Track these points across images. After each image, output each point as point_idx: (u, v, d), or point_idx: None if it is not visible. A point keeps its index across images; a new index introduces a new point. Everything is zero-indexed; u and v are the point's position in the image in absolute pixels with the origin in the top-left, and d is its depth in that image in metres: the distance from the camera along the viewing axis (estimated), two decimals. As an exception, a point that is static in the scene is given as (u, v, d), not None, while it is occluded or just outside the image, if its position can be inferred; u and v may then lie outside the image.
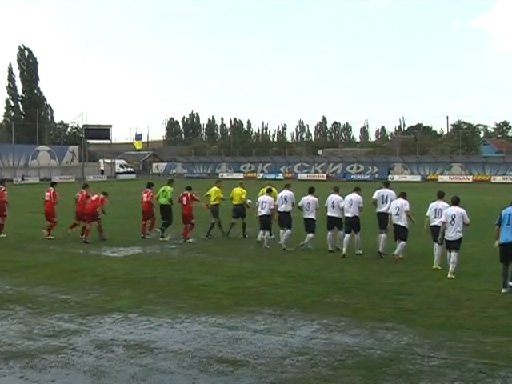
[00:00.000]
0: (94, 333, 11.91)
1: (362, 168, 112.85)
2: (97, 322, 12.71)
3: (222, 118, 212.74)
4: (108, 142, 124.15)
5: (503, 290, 15.63)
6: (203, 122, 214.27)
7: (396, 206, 20.69)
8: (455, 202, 18.48)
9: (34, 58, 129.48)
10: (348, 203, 22.07)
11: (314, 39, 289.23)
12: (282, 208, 23.68)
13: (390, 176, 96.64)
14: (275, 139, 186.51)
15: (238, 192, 27.03)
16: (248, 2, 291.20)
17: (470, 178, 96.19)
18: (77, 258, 21.04)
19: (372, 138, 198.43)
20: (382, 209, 21.78)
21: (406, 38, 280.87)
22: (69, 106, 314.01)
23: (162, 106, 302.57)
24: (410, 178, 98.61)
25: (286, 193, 24.01)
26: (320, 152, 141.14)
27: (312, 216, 22.96)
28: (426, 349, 10.78)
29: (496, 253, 16.59)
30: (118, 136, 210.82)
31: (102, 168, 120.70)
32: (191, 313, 13.37)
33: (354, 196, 22.21)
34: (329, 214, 22.63)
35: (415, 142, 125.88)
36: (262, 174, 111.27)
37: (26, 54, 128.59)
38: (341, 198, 22.53)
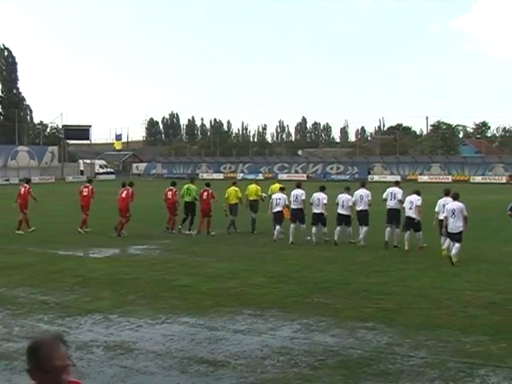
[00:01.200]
0: (74, 334, 11.85)
1: (342, 168, 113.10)
2: (77, 323, 12.65)
3: (202, 119, 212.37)
4: (88, 142, 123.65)
5: None
6: (183, 122, 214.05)
7: (410, 201, 23.00)
8: (455, 197, 20.81)
9: (13, 58, 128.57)
10: (359, 198, 24.50)
11: (292, 40, 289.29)
12: (295, 205, 25.27)
13: (369, 176, 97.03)
14: (255, 139, 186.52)
15: (254, 189, 29.46)
16: (227, 2, 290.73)
17: (450, 178, 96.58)
18: (57, 259, 20.96)
19: (352, 138, 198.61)
20: (391, 205, 23.95)
21: (385, 39, 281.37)
22: (48, 107, 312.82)
23: (141, 106, 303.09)
24: (389, 178, 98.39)
25: (298, 191, 25.45)
26: (300, 152, 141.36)
27: (321, 211, 24.75)
28: (406, 348, 10.82)
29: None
30: (98, 136, 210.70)
31: (82, 168, 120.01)
32: (171, 313, 13.35)
33: (363, 191, 24.58)
34: (339, 211, 24.66)
35: (395, 143, 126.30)
36: (242, 175, 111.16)
37: (6, 53, 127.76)
38: (350, 196, 24.75)
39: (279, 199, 26.01)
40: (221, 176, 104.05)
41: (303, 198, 25.20)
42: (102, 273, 18.30)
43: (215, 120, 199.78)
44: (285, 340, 11.41)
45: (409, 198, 23.21)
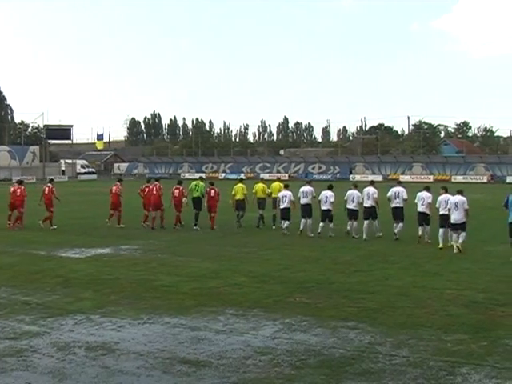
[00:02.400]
0: (56, 335, 11.80)
1: (323, 168, 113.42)
2: (58, 324, 12.60)
3: (184, 118, 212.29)
4: (69, 142, 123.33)
5: None
6: (165, 122, 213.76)
7: (421, 197, 24.85)
8: (460, 192, 23.23)
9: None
10: (366, 195, 26.57)
11: (274, 40, 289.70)
12: (304, 201, 27.44)
13: (351, 176, 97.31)
14: (237, 139, 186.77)
15: (261, 187, 31.50)
16: (209, 3, 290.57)
17: (431, 178, 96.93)
18: (38, 260, 20.85)
19: (334, 138, 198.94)
20: (395, 204, 26.02)
21: (366, 38, 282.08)
22: (29, 106, 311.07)
23: (123, 105, 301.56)
24: (371, 177, 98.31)
25: (307, 188, 27.90)
26: (282, 152, 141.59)
27: (329, 207, 26.78)
28: (388, 347, 10.85)
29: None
30: (79, 136, 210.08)
31: (63, 168, 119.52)
32: (153, 314, 13.32)
33: (370, 189, 26.74)
34: (348, 206, 26.63)
35: (376, 142, 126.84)
36: (223, 174, 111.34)
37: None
38: (359, 193, 26.79)
39: (285, 196, 27.80)
40: (203, 176, 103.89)
41: (314, 194, 27.58)
42: (83, 273, 18.22)
43: (197, 120, 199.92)
44: (267, 340, 11.41)
45: (420, 195, 24.96)
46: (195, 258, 20.96)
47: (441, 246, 22.99)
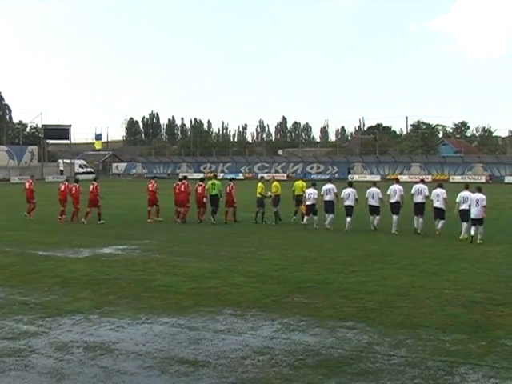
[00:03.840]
0: (54, 335, 11.79)
1: (322, 168, 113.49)
2: (56, 324, 12.59)
3: (182, 118, 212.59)
4: (67, 142, 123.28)
5: None
6: (163, 122, 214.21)
7: (436, 194, 27.23)
8: (479, 189, 25.38)
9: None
10: (393, 192, 28.51)
11: (273, 40, 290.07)
12: (327, 198, 29.78)
13: (349, 176, 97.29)
14: (235, 139, 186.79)
15: (277, 185, 33.27)
16: (206, 3, 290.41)
17: (429, 178, 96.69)
18: (36, 259, 20.82)
19: (332, 138, 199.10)
20: (418, 199, 27.90)
21: (365, 39, 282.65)
22: (28, 106, 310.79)
23: (121, 105, 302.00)
24: (369, 177, 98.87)
25: (329, 186, 30.29)
26: (280, 152, 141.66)
27: (351, 203, 29.13)
28: (386, 347, 10.85)
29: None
30: (78, 136, 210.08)
31: (62, 168, 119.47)
32: (152, 313, 13.31)
33: (397, 186, 28.62)
34: (370, 203, 28.90)
35: (375, 142, 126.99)
36: (222, 174, 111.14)
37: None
38: (379, 190, 28.81)
39: (311, 194, 30.18)
40: (201, 176, 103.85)
41: (335, 191, 29.79)
42: (81, 273, 18.20)
43: (195, 120, 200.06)
44: (265, 340, 11.40)
45: (435, 192, 27.33)
46: (193, 258, 20.94)
47: (462, 236, 25.23)
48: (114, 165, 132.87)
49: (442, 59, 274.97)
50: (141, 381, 9.33)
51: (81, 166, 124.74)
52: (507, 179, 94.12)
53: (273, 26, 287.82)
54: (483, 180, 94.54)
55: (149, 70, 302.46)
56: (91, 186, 33.75)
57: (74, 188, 34.11)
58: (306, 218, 30.12)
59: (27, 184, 36.16)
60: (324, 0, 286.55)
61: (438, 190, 27.29)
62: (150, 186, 35.21)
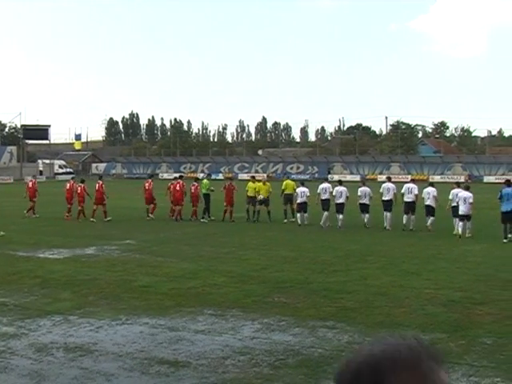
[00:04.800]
0: (34, 336, 11.75)
1: (302, 168, 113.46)
2: (36, 325, 12.54)
3: (162, 118, 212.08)
4: (47, 142, 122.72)
5: (504, 240, 24.77)
6: (143, 122, 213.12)
7: (427, 192, 29.13)
8: (467, 188, 27.83)
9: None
10: (386, 190, 30.25)
11: (252, 39, 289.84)
12: (324, 196, 31.05)
13: (329, 176, 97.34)
14: (215, 139, 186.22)
15: (265, 187, 33.95)
16: (184, 1, 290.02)
17: (409, 178, 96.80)
18: (16, 260, 20.71)
19: (312, 138, 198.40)
20: (409, 198, 29.48)
21: (344, 39, 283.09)
22: (6, 106, 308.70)
23: (101, 105, 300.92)
24: (349, 177, 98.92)
25: (326, 185, 32.19)
26: (260, 152, 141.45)
27: (343, 201, 30.31)
28: (366, 347, 10.87)
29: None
30: (57, 136, 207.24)
31: (41, 169, 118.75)
32: (132, 314, 13.29)
33: (390, 185, 30.56)
34: (361, 201, 30.46)
35: (354, 142, 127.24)
36: (202, 174, 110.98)
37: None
38: (369, 189, 30.67)
39: (303, 192, 31.39)
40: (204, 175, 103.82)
41: (331, 190, 31.09)
42: (61, 274, 18.13)
43: (175, 120, 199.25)
44: (245, 340, 11.42)
45: (426, 190, 29.23)
46: (174, 259, 20.91)
47: (456, 232, 26.95)
48: (94, 165, 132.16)
49: (421, 59, 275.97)
50: (121, 381, 9.32)
51: (60, 167, 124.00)
52: (486, 179, 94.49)
53: (253, 26, 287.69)
54: (462, 180, 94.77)
55: (129, 69, 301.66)
56: (97, 185, 35.07)
57: (79, 188, 35.12)
58: (298, 215, 31.43)
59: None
60: (304, 0, 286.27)
61: (429, 189, 29.30)
62: (146, 184, 36.29)
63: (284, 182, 35.02)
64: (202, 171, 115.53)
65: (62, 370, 9.79)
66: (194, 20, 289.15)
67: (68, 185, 36.37)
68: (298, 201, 31.51)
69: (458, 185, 29.04)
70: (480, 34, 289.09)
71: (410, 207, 29.38)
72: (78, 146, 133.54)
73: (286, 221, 32.76)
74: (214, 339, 11.46)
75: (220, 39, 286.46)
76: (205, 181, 35.71)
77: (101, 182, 35.34)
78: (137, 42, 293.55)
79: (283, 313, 13.33)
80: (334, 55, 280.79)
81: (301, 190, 31.73)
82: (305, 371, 9.60)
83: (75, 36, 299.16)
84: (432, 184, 30.42)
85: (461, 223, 26.67)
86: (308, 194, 31.23)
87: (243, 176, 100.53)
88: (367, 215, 30.23)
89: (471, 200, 26.60)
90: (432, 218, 28.72)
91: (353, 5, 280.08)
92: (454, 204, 27.47)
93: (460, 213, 26.76)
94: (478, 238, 25.84)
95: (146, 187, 35.98)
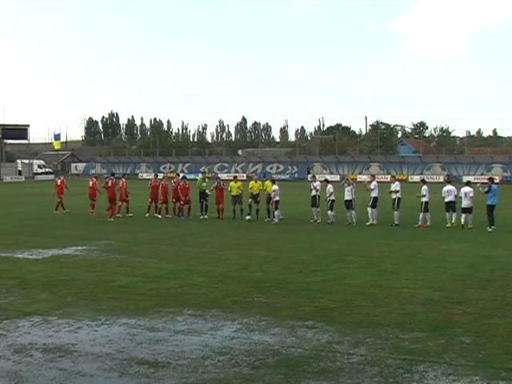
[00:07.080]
0: (12, 337, 11.68)
1: (281, 168, 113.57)
2: (15, 326, 12.47)
3: (142, 118, 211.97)
4: (26, 142, 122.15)
5: (489, 230, 28.41)
6: (123, 121, 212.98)
7: (423, 189, 31.12)
8: (467, 183, 31.62)
9: None
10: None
11: (231, 39, 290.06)
12: (348, 197, 32.52)
13: (309, 176, 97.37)
14: (195, 139, 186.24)
15: (256, 184, 35.32)
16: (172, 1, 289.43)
17: (388, 178, 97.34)
18: (-7, 261, 20.62)
19: (292, 138, 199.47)
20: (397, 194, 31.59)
21: (323, 39, 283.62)
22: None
23: (80, 105, 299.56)
24: (329, 177, 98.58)
25: (317, 183, 34.35)
26: (240, 152, 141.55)
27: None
28: (346, 346, 10.91)
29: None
30: (36, 136, 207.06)
31: (20, 168, 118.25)
32: (111, 315, 13.25)
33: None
34: (346, 198, 32.48)
35: (334, 142, 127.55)
36: (182, 174, 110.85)
37: None
38: (351, 186, 32.75)
39: (275, 190, 33.16)
40: (160, 176, 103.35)
41: (331, 190, 32.99)
42: (40, 274, 18.05)
43: (155, 119, 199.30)
44: (225, 340, 11.41)
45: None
46: (153, 259, 20.87)
47: (448, 225, 29.99)
48: (73, 165, 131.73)
49: (400, 60, 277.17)
50: (100, 382, 9.28)
51: (39, 167, 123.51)
52: (465, 179, 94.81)
53: (230, 25, 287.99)
54: (441, 180, 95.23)
55: (108, 69, 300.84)
56: (120, 183, 36.55)
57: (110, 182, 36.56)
58: (277, 212, 33.14)
59: (58, 181, 39.19)
60: (280, 0, 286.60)
61: (423, 187, 31.36)
62: (91, 183, 38.09)
63: (264, 183, 35.90)
64: (182, 171, 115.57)
65: (41, 371, 9.74)
66: (174, 20, 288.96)
67: (91, 182, 38.31)
68: (276, 198, 33.05)
69: (449, 181, 32.74)
70: (459, 35, 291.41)
71: (396, 204, 31.33)
72: (57, 146, 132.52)
73: (267, 219, 33.85)
74: (194, 339, 11.45)
75: (199, 39, 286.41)
76: (200, 181, 37.31)
77: (123, 180, 37.45)
78: (117, 41, 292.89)
79: (263, 313, 13.34)
80: (313, 55, 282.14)
81: (276, 187, 33.45)
82: (284, 371, 9.60)
83: (54, 35, 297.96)
84: (424, 181, 32.84)
85: (463, 215, 29.79)
86: (279, 191, 33.28)
87: (223, 176, 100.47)
88: (353, 212, 32.19)
89: (472, 194, 29.85)
90: (427, 213, 30.84)
91: (330, 4, 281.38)
92: (448, 199, 30.49)
93: (462, 206, 30.01)
94: (457, 237, 25.96)
95: (152, 184, 37.23)
